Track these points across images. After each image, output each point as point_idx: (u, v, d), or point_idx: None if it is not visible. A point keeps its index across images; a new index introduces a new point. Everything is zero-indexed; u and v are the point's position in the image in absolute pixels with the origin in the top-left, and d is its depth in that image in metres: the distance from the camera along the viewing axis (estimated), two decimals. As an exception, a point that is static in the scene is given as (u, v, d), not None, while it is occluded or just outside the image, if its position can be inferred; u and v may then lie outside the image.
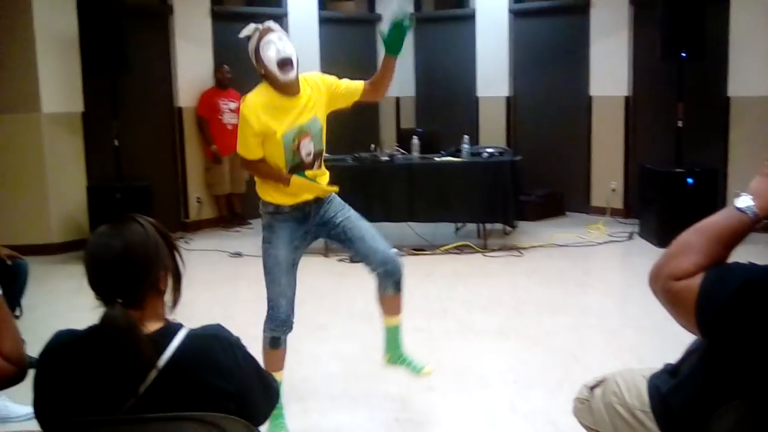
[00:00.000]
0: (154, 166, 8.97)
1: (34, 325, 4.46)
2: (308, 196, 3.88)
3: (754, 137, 8.21)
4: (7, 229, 7.34)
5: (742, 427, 1.93)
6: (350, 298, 6.48)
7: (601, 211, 9.57)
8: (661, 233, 7.76)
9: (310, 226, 3.96)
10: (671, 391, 2.23)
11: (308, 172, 3.86)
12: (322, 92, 3.90)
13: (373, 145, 8.30)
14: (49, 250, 8.04)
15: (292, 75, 3.74)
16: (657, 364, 2.37)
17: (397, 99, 11.61)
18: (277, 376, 3.92)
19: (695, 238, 1.97)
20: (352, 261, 6.90)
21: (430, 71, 11.51)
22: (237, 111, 9.15)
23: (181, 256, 2.10)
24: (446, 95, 11.25)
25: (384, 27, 4.03)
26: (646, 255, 7.56)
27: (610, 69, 9.47)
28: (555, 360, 5.02)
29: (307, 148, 3.83)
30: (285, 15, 10.13)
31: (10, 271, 4.65)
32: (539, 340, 5.42)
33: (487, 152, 8.26)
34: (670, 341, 2.35)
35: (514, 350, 5.23)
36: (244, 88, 9.34)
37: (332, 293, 6.68)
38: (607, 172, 9.63)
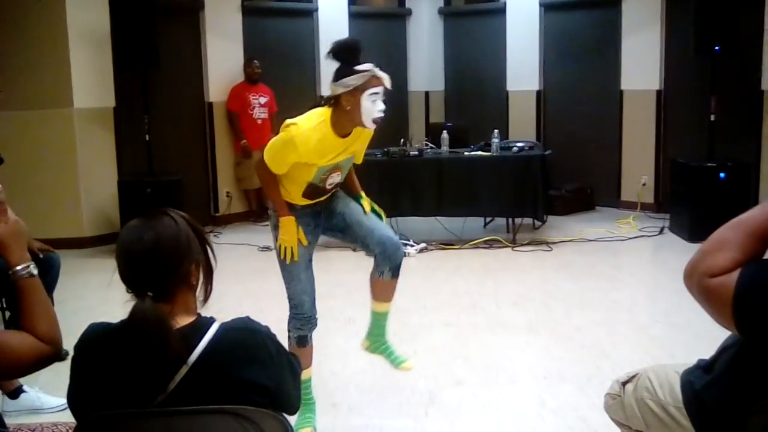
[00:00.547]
0: (184, 160, 9.02)
1: (65, 319, 4.47)
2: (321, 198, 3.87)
3: (787, 131, 8.12)
4: (39, 223, 7.42)
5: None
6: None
7: (631, 206, 9.50)
8: (692, 228, 7.71)
9: (319, 220, 3.94)
10: (705, 387, 2.21)
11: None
12: (363, 139, 3.85)
13: (402, 140, 8.29)
14: (80, 244, 8.12)
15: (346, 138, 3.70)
16: (689, 360, 2.36)
17: (427, 93, 11.60)
18: (306, 372, 3.93)
19: (731, 234, 1.95)
20: (354, 251, 6.87)
21: (459, 65, 11.48)
22: (266, 105, 9.31)
23: (213, 250, 2.11)
24: (476, 89, 11.22)
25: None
26: (677, 250, 7.50)
27: (641, 63, 9.39)
28: (584, 355, 4.99)
29: (334, 180, 3.82)
30: (315, 10, 10.13)
31: (42, 264, 4.68)
32: (568, 335, 5.39)
33: (516, 146, 8.22)
34: (702, 337, 2.34)
35: (543, 345, 5.21)
36: (273, 83, 9.51)
37: (361, 287, 6.64)
38: (638, 167, 9.56)
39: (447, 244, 7.97)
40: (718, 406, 2.15)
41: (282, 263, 3.85)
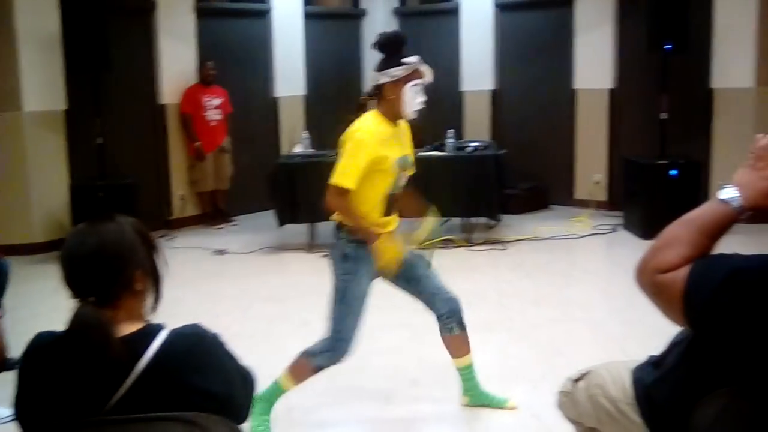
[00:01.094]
0: (137, 163, 8.91)
1: (16, 326, 4.44)
2: (395, 225, 3.90)
3: (737, 129, 8.23)
4: (-11, 229, 7.30)
5: (725, 416, 1.94)
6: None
7: (585, 204, 9.59)
8: (644, 225, 7.79)
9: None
10: (655, 383, 2.24)
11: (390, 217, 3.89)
12: (406, 134, 3.97)
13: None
14: (31, 250, 7.98)
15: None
16: (641, 357, 2.38)
17: (382, 94, 11.58)
18: (291, 386, 3.98)
19: (681, 231, 1.98)
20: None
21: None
22: (221, 107, 9.25)
23: (161, 256, 2.09)
24: (431, 89, 11.16)
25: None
26: (630, 247, 7.58)
27: (594, 62, 9.48)
28: (539, 353, 5.03)
29: (403, 182, 3.88)
30: (269, 10, 10.07)
31: (-9, 270, 4.62)
32: (523, 333, 5.43)
33: (471, 146, 8.26)
34: (655, 333, 2.36)
35: (498, 344, 5.23)
36: (228, 85, 9.43)
37: (316, 290, 6.65)
38: (591, 165, 9.65)
39: (403, 245, 7.96)
40: (667, 402, 2.17)
41: (344, 297, 3.80)
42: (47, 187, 8.23)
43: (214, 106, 9.20)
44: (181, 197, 9.42)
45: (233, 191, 9.56)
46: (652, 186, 7.92)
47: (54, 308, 4.69)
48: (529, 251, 7.76)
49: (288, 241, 8.12)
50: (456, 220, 8.65)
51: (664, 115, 8.10)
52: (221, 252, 8.02)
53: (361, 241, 3.76)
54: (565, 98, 9.77)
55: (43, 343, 1.97)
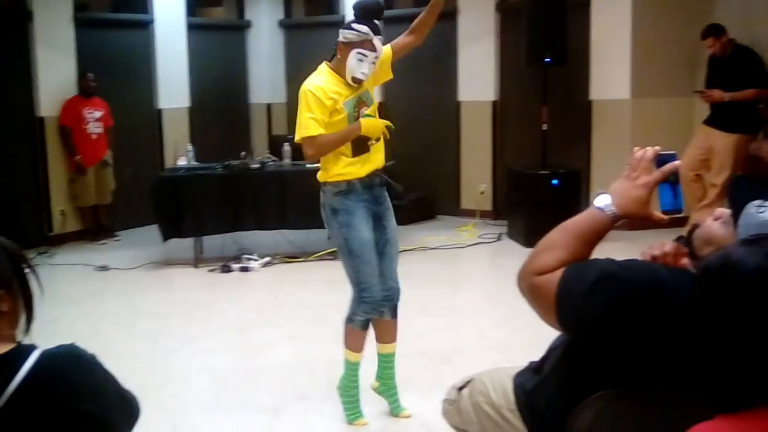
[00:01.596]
0: (15, 178, 8.58)
1: None
2: (378, 164, 4.12)
3: (614, 139, 8.52)
4: None
5: (602, 419, 1.99)
6: (221, 309, 6.40)
7: (471, 214, 9.74)
8: (528, 233, 7.95)
9: (375, 209, 4.11)
10: (535, 388, 2.28)
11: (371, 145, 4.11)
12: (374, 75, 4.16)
13: (243, 153, 8.20)
14: None
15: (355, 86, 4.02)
16: (526, 363, 2.42)
17: (269, 105, 11.53)
18: (357, 356, 4.12)
19: (558, 236, 2.04)
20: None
21: (302, 78, 11.41)
22: (102, 120, 9.02)
23: (32, 275, 2.00)
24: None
25: None
26: (514, 255, 7.72)
27: (477, 75, 9.66)
28: (427, 362, 5.07)
29: (364, 114, 4.04)
30: (151, 21, 9.88)
31: None
32: (412, 342, 5.44)
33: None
34: (540, 340, 2.41)
35: (388, 354, 5.24)
36: (109, 97, 9.19)
37: (203, 305, 6.57)
38: (476, 176, 9.81)
39: (291, 257, 7.93)
40: (548, 406, 2.21)
41: (350, 249, 3.98)
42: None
43: (95, 119, 8.96)
44: (61, 212, 9.12)
45: (116, 206, 9.33)
46: (535, 195, 8.10)
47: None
48: (417, 261, 7.82)
49: (173, 256, 7.97)
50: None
51: (545, 127, 8.32)
52: (104, 268, 7.79)
53: (346, 191, 4.02)
54: (451, 110, 9.91)
55: None
